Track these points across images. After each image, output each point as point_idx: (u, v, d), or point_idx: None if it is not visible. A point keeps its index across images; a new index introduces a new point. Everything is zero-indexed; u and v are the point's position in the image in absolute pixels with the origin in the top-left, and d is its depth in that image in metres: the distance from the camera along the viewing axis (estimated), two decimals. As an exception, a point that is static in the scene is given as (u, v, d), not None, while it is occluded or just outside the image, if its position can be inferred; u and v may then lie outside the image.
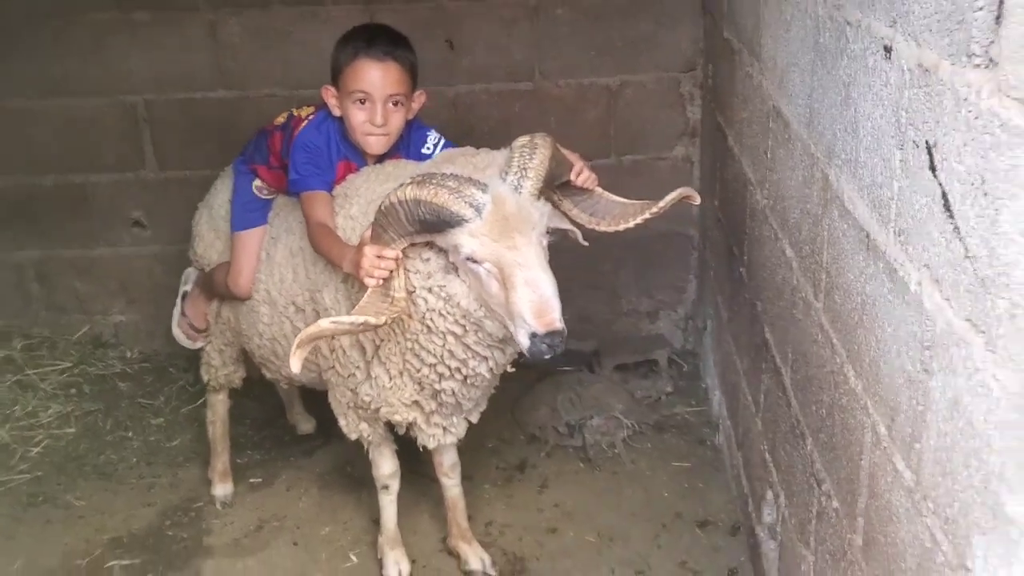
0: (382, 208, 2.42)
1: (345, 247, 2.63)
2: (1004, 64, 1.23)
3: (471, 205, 2.33)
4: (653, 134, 4.36)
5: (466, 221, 2.33)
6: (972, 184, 1.34)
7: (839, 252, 2.06)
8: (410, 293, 2.52)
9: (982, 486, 1.33)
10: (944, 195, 1.44)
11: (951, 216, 1.42)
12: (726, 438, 3.76)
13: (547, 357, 2.33)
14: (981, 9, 1.29)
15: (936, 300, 1.49)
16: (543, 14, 4.16)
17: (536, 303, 2.29)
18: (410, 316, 2.57)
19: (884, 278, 1.75)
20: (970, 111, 1.34)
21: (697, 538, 3.44)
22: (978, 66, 1.31)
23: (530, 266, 2.32)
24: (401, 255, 2.45)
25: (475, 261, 2.37)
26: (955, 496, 1.43)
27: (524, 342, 2.33)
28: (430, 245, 2.48)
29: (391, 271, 2.43)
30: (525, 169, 2.39)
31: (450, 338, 2.58)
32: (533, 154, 2.42)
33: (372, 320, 2.38)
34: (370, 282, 2.43)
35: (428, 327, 2.57)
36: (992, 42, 1.27)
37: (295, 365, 2.36)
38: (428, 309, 2.54)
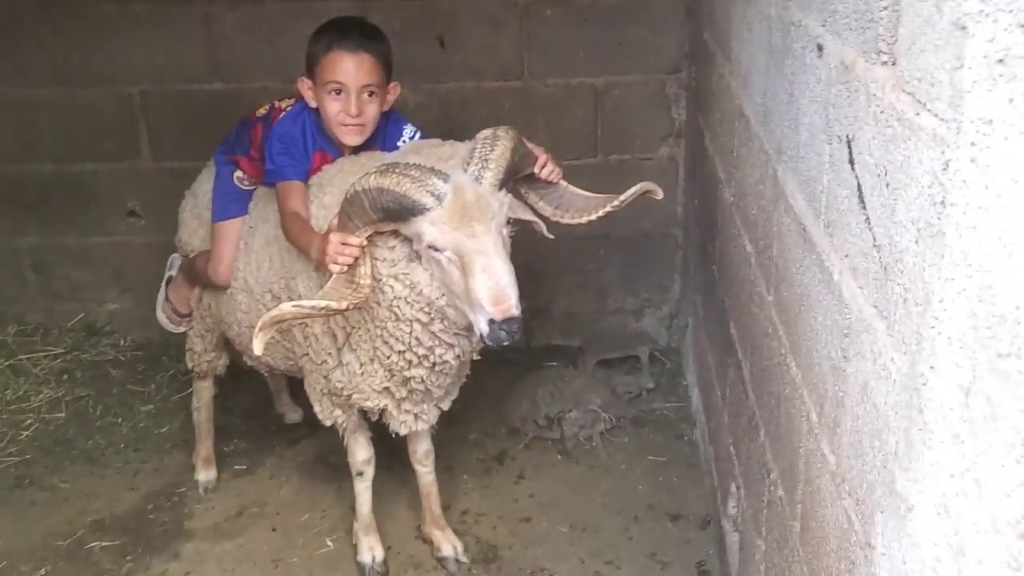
0: (347, 197, 2.49)
1: (314, 235, 2.70)
2: (901, 61, 1.29)
3: (432, 194, 2.40)
4: (639, 134, 4.42)
5: (427, 209, 2.40)
6: (879, 176, 1.39)
7: (784, 246, 2.11)
8: (377, 281, 2.59)
9: (882, 466, 1.39)
10: (859, 187, 1.50)
11: (864, 207, 1.48)
12: (701, 433, 3.81)
13: (505, 343, 2.40)
14: (886, 8, 1.35)
15: (852, 289, 1.54)
16: (532, 15, 4.23)
17: (493, 290, 2.36)
18: (378, 303, 2.64)
19: (816, 269, 1.80)
20: (877, 106, 1.39)
21: (668, 531, 3.49)
22: (884, 63, 1.37)
23: (488, 254, 2.38)
24: (366, 242, 2.51)
25: (436, 249, 2.44)
26: (864, 477, 1.49)
27: (483, 328, 2.40)
28: (396, 234, 2.55)
29: (356, 258, 2.50)
30: (486, 160, 2.46)
31: (416, 326, 2.65)
32: (495, 146, 2.49)
33: (334, 304, 2.45)
34: (334, 268, 2.50)
35: (395, 314, 2.64)
36: (895, 40, 1.33)
37: (257, 347, 2.43)
38: (395, 297, 2.61)
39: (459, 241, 2.41)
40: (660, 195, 2.77)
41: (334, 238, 2.50)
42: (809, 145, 1.84)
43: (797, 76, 1.94)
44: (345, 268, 2.50)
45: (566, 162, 4.41)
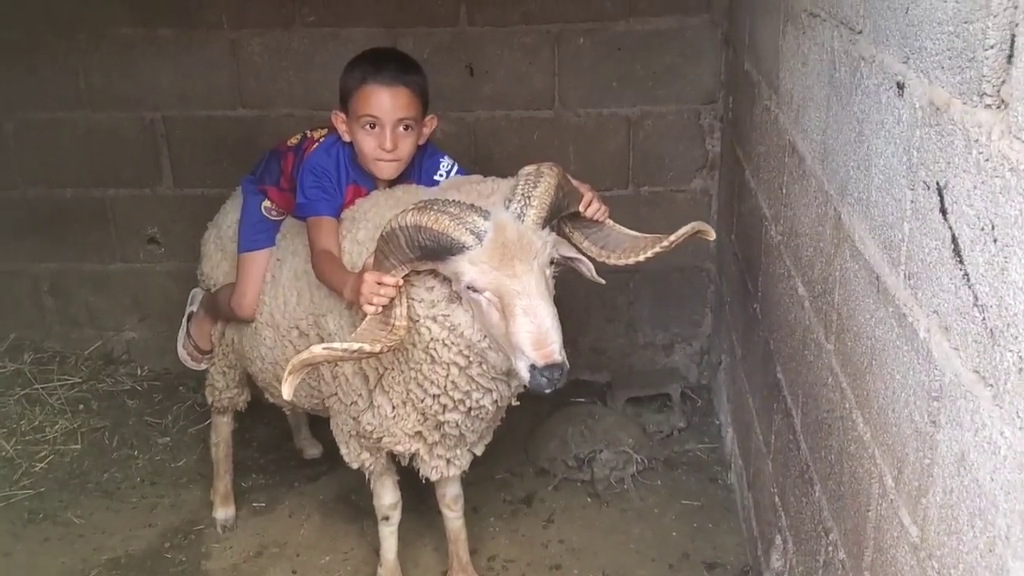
0: (383, 234, 2.38)
1: (347, 274, 2.59)
2: (1015, 105, 1.17)
3: (471, 232, 2.28)
4: (672, 166, 4.31)
5: (466, 248, 2.28)
6: (982, 229, 1.27)
7: (850, 293, 1.99)
8: (414, 322, 2.48)
9: (987, 549, 1.26)
10: (954, 239, 1.38)
11: (961, 262, 1.35)
12: (738, 478, 3.66)
13: (547, 391, 2.27)
14: (992, 47, 1.23)
15: (944, 349, 1.42)
16: (565, 43, 4.13)
17: (535, 333, 2.23)
18: (413, 345, 2.52)
19: (893, 323, 1.68)
20: (980, 153, 1.27)
21: (705, 580, 3.35)
22: (989, 106, 1.25)
23: (530, 295, 2.26)
24: (402, 282, 2.40)
25: (475, 290, 2.32)
26: (960, 557, 1.35)
27: (524, 374, 2.27)
28: (434, 273, 2.44)
29: (391, 298, 2.38)
30: (529, 197, 2.34)
31: (453, 369, 2.53)
32: (538, 182, 2.37)
33: (367, 347, 2.33)
34: (369, 309, 2.38)
35: (431, 357, 2.52)
36: (1003, 82, 1.21)
37: (286, 392, 2.31)
38: (432, 339, 2.49)
39: (499, 281, 2.28)
40: (713, 236, 2.63)
41: (369, 277, 2.38)
42: (885, 189, 1.72)
43: (869, 115, 1.82)
44: (380, 309, 2.39)
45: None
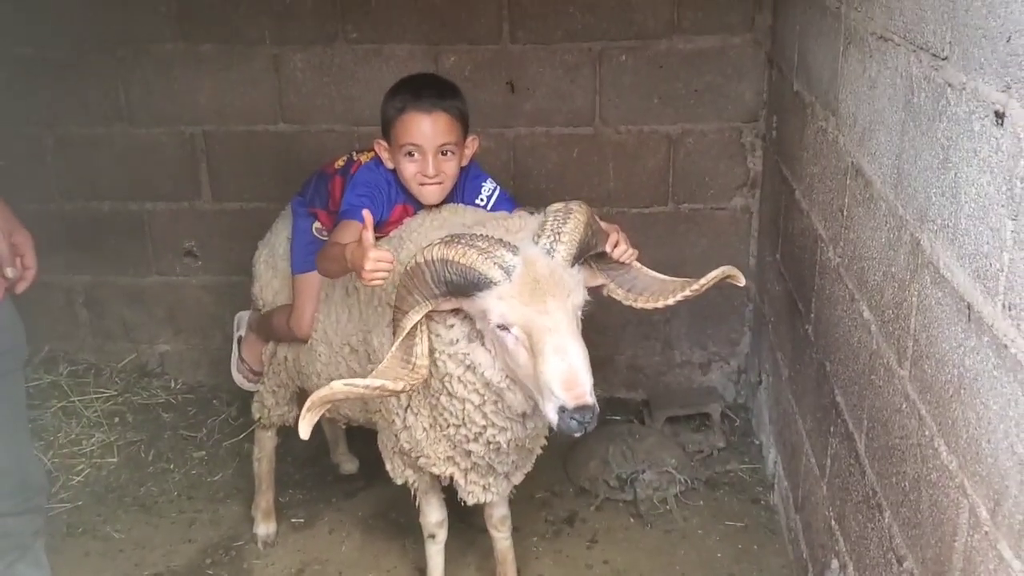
0: (407, 269, 2.35)
1: (343, 247, 2.54)
2: None
3: (500, 266, 2.25)
4: (712, 184, 4.30)
5: (495, 284, 2.25)
6: (1107, 263, 1.26)
7: (931, 320, 1.97)
8: (430, 353, 2.46)
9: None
10: (1070, 272, 1.36)
11: (1078, 295, 1.34)
12: (782, 499, 3.64)
13: (577, 435, 2.20)
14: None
15: (1056, 382, 1.40)
16: (607, 61, 4.13)
17: (565, 373, 2.17)
18: (432, 374, 2.51)
19: (989, 352, 1.66)
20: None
21: (752, 603, 3.32)
22: (1118, 139, 1.24)
23: (560, 332, 2.21)
24: (424, 320, 2.39)
25: (504, 327, 2.28)
26: (1077, 595, 1.34)
27: (552, 417, 2.20)
28: (456, 312, 2.42)
29: (413, 336, 2.37)
30: (559, 233, 2.32)
31: (468, 405, 2.52)
32: (567, 219, 2.35)
33: (389, 385, 2.30)
34: (375, 283, 2.41)
35: (447, 390, 2.52)
36: None
37: (303, 431, 2.28)
38: (446, 373, 2.48)
39: (529, 317, 2.23)
40: (743, 282, 2.59)
41: (372, 254, 2.36)
42: (978, 217, 1.71)
43: (958, 142, 1.80)
44: (382, 282, 2.40)
45: (636, 210, 4.37)
